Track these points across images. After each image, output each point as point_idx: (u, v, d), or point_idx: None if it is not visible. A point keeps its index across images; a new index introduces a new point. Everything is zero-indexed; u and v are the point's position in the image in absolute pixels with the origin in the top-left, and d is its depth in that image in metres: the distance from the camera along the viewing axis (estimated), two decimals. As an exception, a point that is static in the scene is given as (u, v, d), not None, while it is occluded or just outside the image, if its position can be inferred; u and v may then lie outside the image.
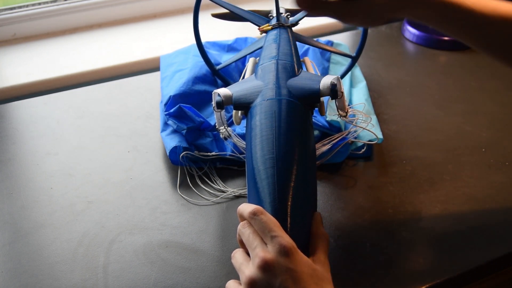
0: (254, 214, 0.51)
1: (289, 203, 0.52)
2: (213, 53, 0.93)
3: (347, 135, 0.76)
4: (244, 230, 0.52)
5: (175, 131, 0.77)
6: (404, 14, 0.60)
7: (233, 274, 0.54)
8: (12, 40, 1.16)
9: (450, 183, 0.72)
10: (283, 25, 0.78)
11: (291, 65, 0.66)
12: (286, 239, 0.49)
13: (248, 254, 0.51)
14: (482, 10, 0.58)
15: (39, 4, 1.18)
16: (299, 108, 0.59)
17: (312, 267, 0.49)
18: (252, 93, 0.62)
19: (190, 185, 0.73)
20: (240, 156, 0.74)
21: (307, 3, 0.58)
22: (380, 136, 0.77)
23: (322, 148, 0.74)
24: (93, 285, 0.59)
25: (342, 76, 0.88)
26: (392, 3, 0.58)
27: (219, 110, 0.63)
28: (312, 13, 0.60)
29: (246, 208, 0.52)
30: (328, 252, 0.53)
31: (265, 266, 0.48)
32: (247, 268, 0.49)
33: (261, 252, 0.48)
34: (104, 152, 0.80)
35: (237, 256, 0.52)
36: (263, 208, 0.52)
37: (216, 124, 0.67)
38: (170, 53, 0.97)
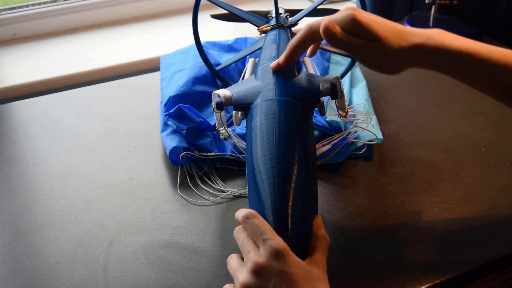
0: (246, 218, 0.51)
1: (290, 203, 0.52)
2: (213, 54, 0.93)
3: (347, 135, 0.76)
4: (239, 235, 0.52)
5: (175, 131, 0.77)
6: (422, 66, 0.60)
7: (233, 274, 0.55)
8: (12, 40, 1.16)
9: (450, 183, 0.72)
10: (283, 25, 0.78)
11: (291, 65, 0.66)
12: (277, 241, 0.49)
13: (243, 259, 0.52)
14: (499, 59, 0.58)
15: (39, 4, 1.18)
16: (299, 108, 0.59)
17: (305, 268, 0.49)
18: (252, 94, 0.62)
19: (190, 185, 0.73)
20: (240, 156, 0.74)
21: (331, 36, 0.57)
22: (380, 136, 0.77)
23: (322, 148, 0.74)
24: (93, 285, 0.59)
25: (342, 76, 0.88)
26: (411, 57, 0.59)
27: (219, 111, 0.63)
28: (334, 46, 0.60)
29: (240, 212, 0.52)
30: (327, 254, 0.53)
31: (258, 270, 0.48)
32: (241, 273, 0.50)
33: (254, 256, 0.48)
34: (104, 152, 0.80)
35: (232, 262, 0.52)
36: (264, 209, 0.52)
37: (216, 125, 0.67)
38: (170, 53, 0.97)
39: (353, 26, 0.57)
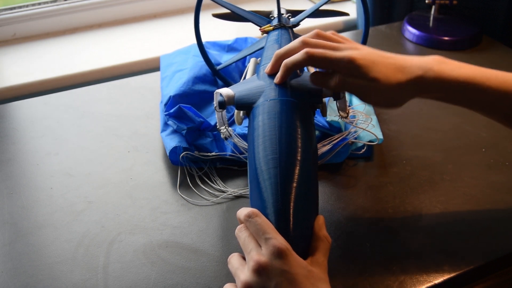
0: (249, 216, 0.51)
1: (292, 203, 0.52)
2: (213, 53, 0.93)
3: (347, 135, 0.76)
4: (241, 234, 0.52)
5: (175, 131, 0.77)
6: (422, 97, 0.61)
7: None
8: (12, 40, 1.16)
9: (450, 183, 0.72)
10: (285, 25, 0.78)
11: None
12: (280, 240, 0.49)
13: (244, 258, 0.51)
14: (499, 86, 0.59)
15: (39, 4, 1.18)
16: (301, 108, 0.59)
17: (307, 268, 0.49)
18: (255, 94, 0.62)
19: (190, 185, 0.73)
20: (240, 156, 0.74)
21: (321, 80, 0.60)
22: (380, 136, 0.77)
23: (323, 148, 0.74)
24: (93, 285, 0.59)
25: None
26: (411, 90, 0.59)
27: (221, 110, 0.63)
28: (328, 89, 0.62)
29: (243, 211, 0.52)
30: (328, 254, 0.53)
31: (260, 270, 0.48)
32: (242, 272, 0.50)
33: (256, 255, 0.48)
34: (104, 152, 0.80)
35: (233, 261, 0.52)
36: (266, 209, 0.52)
37: (217, 124, 0.67)
38: (170, 53, 0.97)
39: (351, 68, 0.58)
